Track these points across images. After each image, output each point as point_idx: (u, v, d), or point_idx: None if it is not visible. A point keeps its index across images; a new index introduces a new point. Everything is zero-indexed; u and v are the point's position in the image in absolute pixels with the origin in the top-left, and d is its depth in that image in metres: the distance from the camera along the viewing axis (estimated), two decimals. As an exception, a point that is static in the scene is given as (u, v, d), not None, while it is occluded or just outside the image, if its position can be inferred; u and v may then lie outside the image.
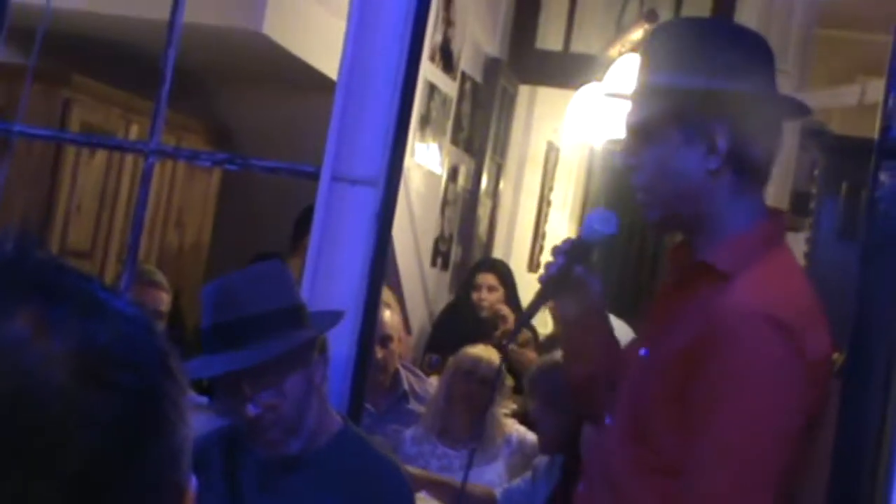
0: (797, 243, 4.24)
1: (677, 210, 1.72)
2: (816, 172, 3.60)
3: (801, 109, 1.80)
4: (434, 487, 3.00)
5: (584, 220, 1.85)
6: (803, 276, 1.69)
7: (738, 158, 1.68)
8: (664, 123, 1.69)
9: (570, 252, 1.81)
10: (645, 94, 1.74)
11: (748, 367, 1.56)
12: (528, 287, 5.16)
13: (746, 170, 1.69)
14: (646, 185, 1.72)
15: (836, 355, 1.78)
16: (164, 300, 3.65)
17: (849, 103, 6.06)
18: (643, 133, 1.72)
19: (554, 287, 1.83)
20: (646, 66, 1.75)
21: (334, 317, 2.16)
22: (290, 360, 2.01)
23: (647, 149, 1.71)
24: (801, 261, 3.16)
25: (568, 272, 1.81)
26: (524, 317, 1.90)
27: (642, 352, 1.76)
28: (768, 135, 1.72)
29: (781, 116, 1.77)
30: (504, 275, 4.97)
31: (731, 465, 1.56)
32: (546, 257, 1.99)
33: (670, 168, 1.69)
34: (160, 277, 3.72)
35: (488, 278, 4.89)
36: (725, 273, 1.63)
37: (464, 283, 5.09)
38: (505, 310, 4.77)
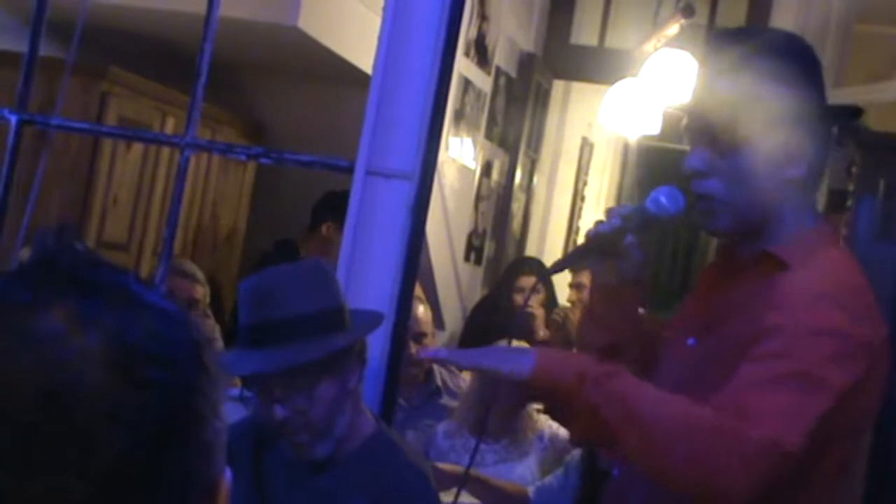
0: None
1: (747, 218, 1.71)
2: (854, 170, 3.57)
3: (854, 112, 1.83)
4: (469, 483, 2.99)
5: (650, 193, 1.78)
6: (862, 274, 1.68)
7: (811, 168, 1.70)
8: (747, 136, 1.67)
9: (628, 217, 1.77)
10: (725, 102, 1.71)
11: (807, 332, 1.53)
12: (561, 282, 5.14)
13: (814, 176, 1.72)
14: (718, 194, 1.70)
15: None
16: (200, 292, 3.67)
17: (887, 99, 6.00)
18: (721, 144, 1.69)
19: (598, 246, 1.78)
20: (718, 71, 1.72)
21: (373, 320, 2.11)
22: (324, 365, 1.96)
23: (725, 159, 1.69)
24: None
25: (618, 236, 1.77)
26: (559, 263, 1.86)
27: (690, 342, 1.74)
28: (830, 141, 1.74)
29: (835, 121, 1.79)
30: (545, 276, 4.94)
31: (773, 396, 1.49)
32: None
33: (749, 179, 1.68)
34: (195, 270, 3.74)
35: (532, 281, 4.82)
36: (790, 263, 1.64)
37: (502, 282, 5.05)
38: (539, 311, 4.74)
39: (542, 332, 4.62)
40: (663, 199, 1.76)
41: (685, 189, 1.78)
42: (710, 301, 1.77)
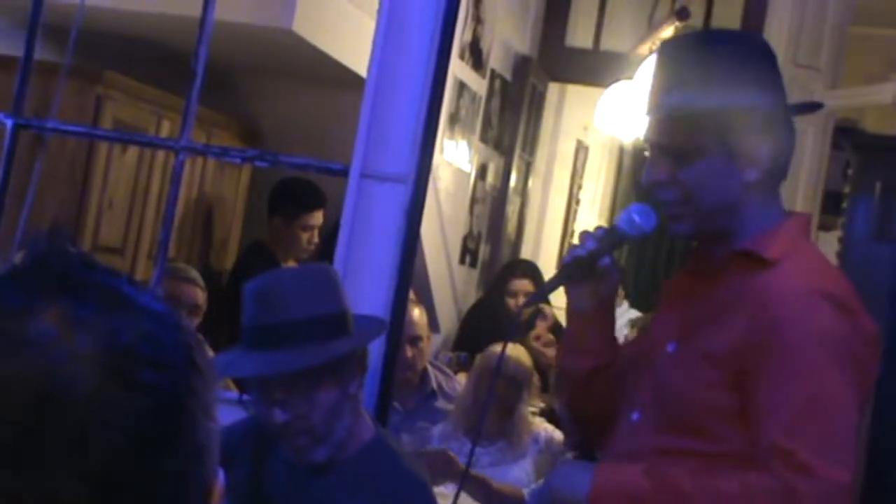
0: (829, 243, 4.21)
1: (710, 222, 1.73)
2: (850, 171, 3.57)
3: (812, 106, 1.94)
4: (466, 484, 2.99)
5: (621, 212, 1.81)
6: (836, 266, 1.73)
7: (771, 167, 1.71)
8: (701, 146, 1.69)
9: (603, 239, 1.79)
10: (675, 116, 1.73)
11: (814, 341, 1.58)
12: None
13: (776, 175, 1.74)
14: (678, 201, 1.72)
15: None
16: (202, 297, 3.67)
17: (883, 101, 6.01)
18: (677, 155, 1.71)
19: (576, 271, 1.79)
20: (667, 85, 1.73)
21: (376, 327, 2.12)
22: (326, 371, 1.96)
23: (682, 169, 1.71)
24: (834, 261, 3.14)
25: (594, 259, 1.78)
26: (538, 293, 1.91)
27: (670, 348, 1.75)
28: (791, 138, 1.76)
29: (795, 115, 1.81)
30: (538, 279, 4.92)
31: (809, 432, 1.56)
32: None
33: (709, 187, 1.71)
34: (194, 274, 3.74)
35: (525, 284, 4.81)
36: (771, 260, 1.66)
37: (495, 285, 5.05)
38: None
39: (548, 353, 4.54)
40: (636, 218, 1.77)
41: (656, 204, 1.80)
42: (686, 306, 1.77)
